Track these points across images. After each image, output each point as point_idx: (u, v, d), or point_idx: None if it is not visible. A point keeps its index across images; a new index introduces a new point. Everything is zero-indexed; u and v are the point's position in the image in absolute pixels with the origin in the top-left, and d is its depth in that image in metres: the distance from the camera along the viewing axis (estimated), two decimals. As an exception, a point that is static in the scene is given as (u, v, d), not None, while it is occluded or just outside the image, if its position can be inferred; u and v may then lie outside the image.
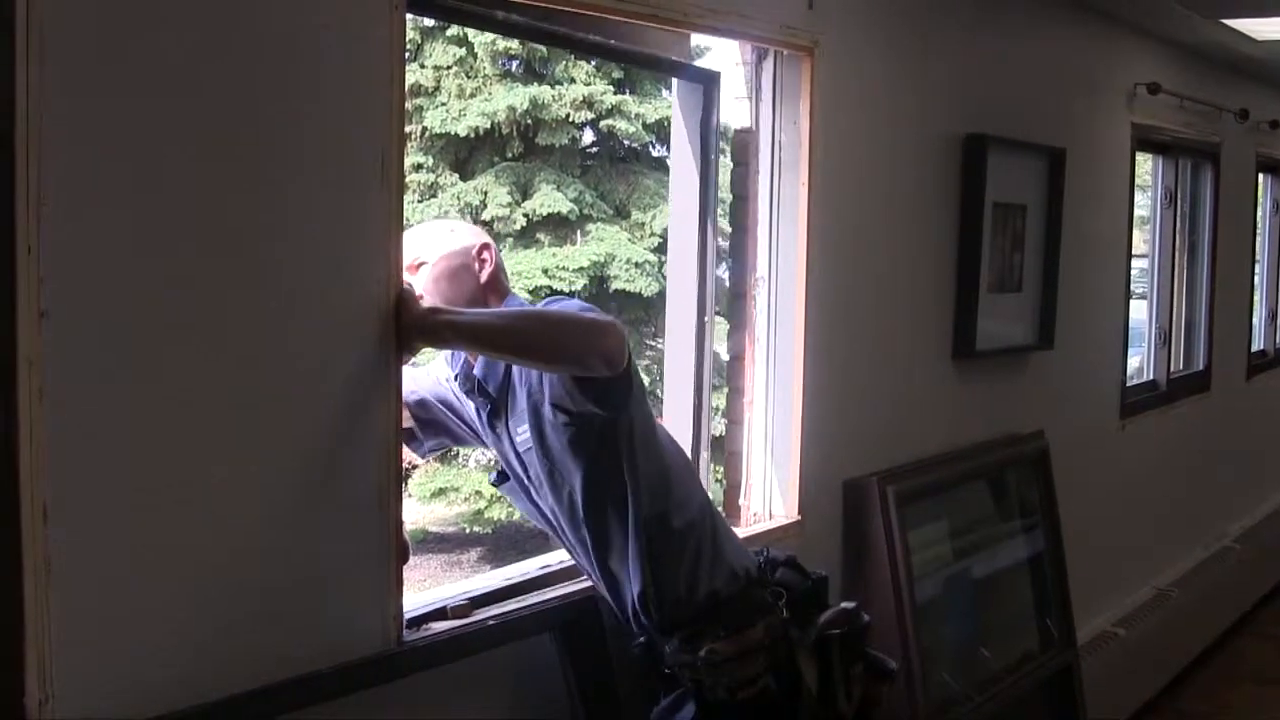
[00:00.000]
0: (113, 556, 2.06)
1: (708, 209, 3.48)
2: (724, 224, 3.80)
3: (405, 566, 2.57)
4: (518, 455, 2.85)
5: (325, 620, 2.40)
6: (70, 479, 1.98)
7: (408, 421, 2.90)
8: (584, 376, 2.63)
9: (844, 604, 2.99)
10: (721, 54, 3.75)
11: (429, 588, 2.93)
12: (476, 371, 2.83)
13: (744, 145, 3.70)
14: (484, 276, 2.85)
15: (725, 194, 3.85)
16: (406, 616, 2.59)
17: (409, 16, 2.53)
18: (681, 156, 3.53)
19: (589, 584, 2.99)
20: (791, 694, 2.84)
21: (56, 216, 1.92)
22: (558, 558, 3.18)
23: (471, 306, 2.79)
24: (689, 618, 2.81)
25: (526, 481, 2.87)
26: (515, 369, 2.78)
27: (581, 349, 2.60)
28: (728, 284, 3.85)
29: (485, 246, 2.87)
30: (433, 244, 2.82)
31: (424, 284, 2.77)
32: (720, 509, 3.38)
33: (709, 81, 3.50)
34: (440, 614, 2.72)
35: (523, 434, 2.81)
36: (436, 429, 3.02)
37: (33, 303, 1.90)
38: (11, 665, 1.93)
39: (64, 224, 1.94)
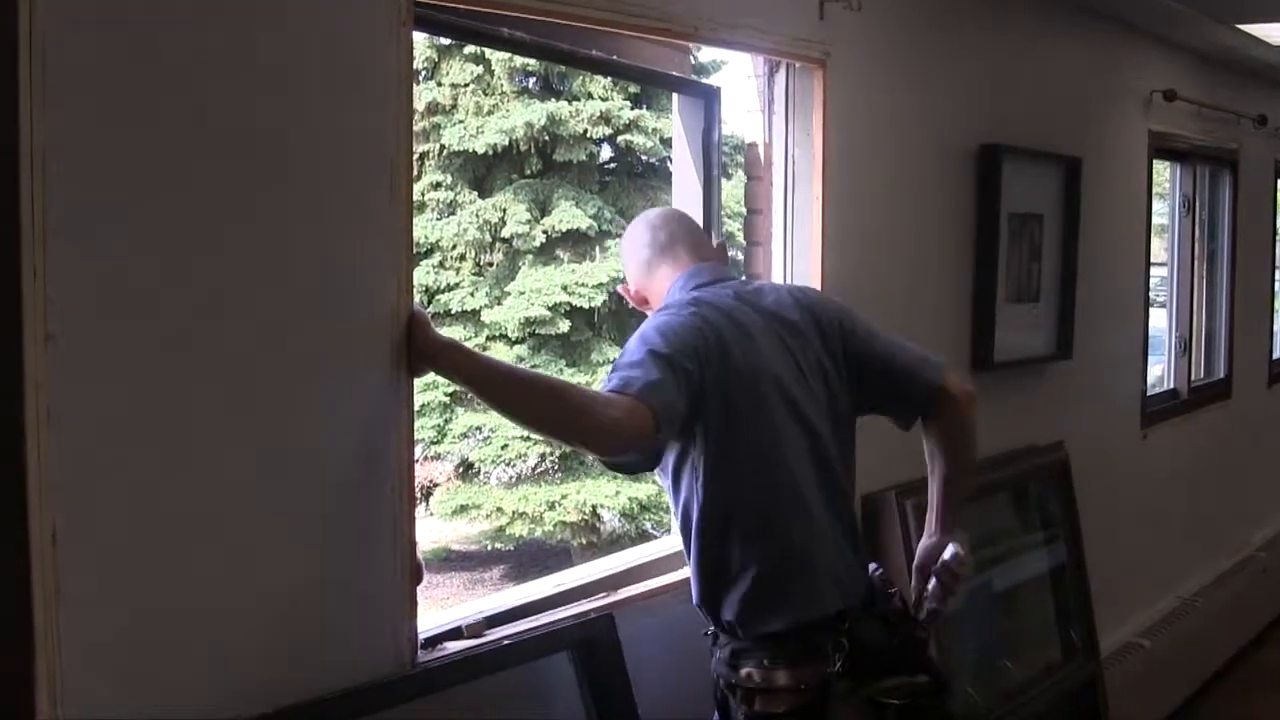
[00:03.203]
0: (123, 578, 2.06)
1: (711, 223, 3.49)
2: (739, 238, 3.79)
3: (427, 586, 2.56)
4: None
5: (338, 642, 2.39)
6: (79, 501, 1.97)
7: None
8: None
9: (916, 679, 2.90)
10: (734, 68, 3.74)
11: (451, 607, 2.93)
12: None
13: (756, 159, 3.69)
14: (651, 307, 2.96)
15: (740, 208, 3.84)
16: (422, 637, 2.58)
17: (421, 35, 2.53)
18: (683, 172, 3.54)
19: (605, 602, 3.00)
20: None
21: (61, 239, 1.92)
22: (573, 576, 3.18)
23: None
24: (743, 637, 2.77)
25: None
26: None
27: (571, 437, 2.60)
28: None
29: (625, 289, 3.04)
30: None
31: None
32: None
33: (709, 97, 3.50)
34: (456, 634, 2.71)
35: None
36: None
37: (39, 326, 1.90)
38: (23, 685, 1.93)
39: (69, 247, 1.93)
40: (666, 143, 15.92)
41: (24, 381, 1.89)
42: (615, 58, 3.21)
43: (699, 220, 3.47)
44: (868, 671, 2.84)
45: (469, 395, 15.25)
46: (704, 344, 2.71)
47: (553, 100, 16.19)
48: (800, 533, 2.79)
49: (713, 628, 2.83)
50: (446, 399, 15.04)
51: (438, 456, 15.65)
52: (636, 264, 3.01)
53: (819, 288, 3.64)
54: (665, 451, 2.75)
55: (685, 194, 3.52)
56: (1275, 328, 8.21)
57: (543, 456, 15.11)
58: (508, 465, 15.27)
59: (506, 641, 2.73)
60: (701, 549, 2.76)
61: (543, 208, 16.18)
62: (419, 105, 15.68)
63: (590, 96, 16.23)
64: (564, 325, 15.52)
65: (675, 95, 3.55)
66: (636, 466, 2.79)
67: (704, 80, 3.61)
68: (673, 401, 2.58)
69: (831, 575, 2.83)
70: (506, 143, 15.98)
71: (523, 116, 15.85)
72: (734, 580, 2.75)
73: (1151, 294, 6.27)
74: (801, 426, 2.82)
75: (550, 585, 3.13)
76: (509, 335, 15.60)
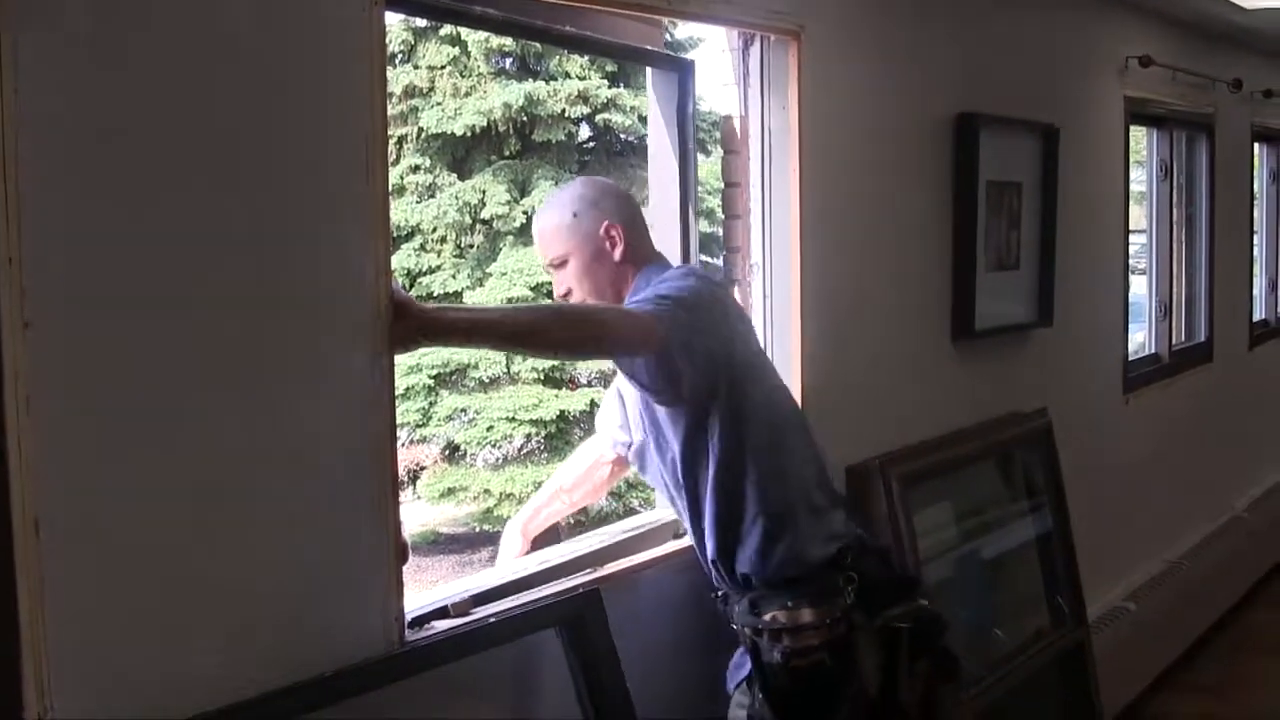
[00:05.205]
0: (108, 566, 2.05)
1: (688, 197, 3.50)
2: (718, 212, 3.79)
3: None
4: (639, 418, 3.11)
5: (325, 624, 2.39)
6: (61, 490, 1.97)
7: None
8: (643, 367, 2.81)
9: (920, 602, 3.09)
10: (710, 42, 3.74)
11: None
12: None
13: (733, 132, 3.68)
14: (617, 255, 3.04)
15: (717, 182, 3.83)
16: (409, 616, 2.58)
17: (396, 18, 2.52)
18: (659, 147, 3.55)
19: (591, 577, 3.01)
20: (846, 674, 2.93)
21: (37, 226, 1.91)
22: (559, 553, 3.19)
23: (612, 289, 3.03)
24: (758, 586, 2.95)
25: (645, 440, 3.11)
26: None
27: (580, 344, 2.85)
28: (722, 272, 3.83)
29: (610, 227, 3.04)
30: (564, 237, 3.03)
31: (569, 280, 3.03)
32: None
33: (684, 71, 3.51)
34: (443, 613, 2.71)
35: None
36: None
37: (16, 314, 1.89)
38: (9, 679, 1.92)
39: (45, 234, 1.93)
40: (645, 120, 15.86)
41: (3, 370, 1.88)
42: (589, 34, 3.21)
43: (676, 193, 3.51)
44: (876, 602, 2.99)
45: (453, 377, 15.35)
46: (720, 306, 3.00)
47: (530, 80, 16.17)
48: (798, 480, 3.03)
49: (724, 588, 3.01)
50: (431, 381, 15.03)
51: (424, 439, 15.64)
52: (630, 216, 3.11)
53: (799, 261, 3.64)
54: (671, 420, 2.96)
55: (661, 169, 3.52)
56: (1255, 291, 8.24)
57: (528, 437, 15.12)
58: (494, 447, 15.26)
59: (493, 619, 2.73)
60: (716, 505, 2.94)
61: (522, 188, 16.16)
62: (396, 88, 15.63)
63: (568, 76, 16.21)
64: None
65: (650, 70, 3.55)
66: (653, 380, 2.87)
67: (679, 55, 3.60)
68: (687, 338, 2.80)
69: (829, 517, 3.06)
70: (485, 124, 15.96)
71: (500, 97, 15.83)
72: (746, 533, 2.94)
73: (1131, 262, 6.28)
74: (779, 380, 3.17)
75: (535, 562, 3.14)
76: (491, 316, 15.57)
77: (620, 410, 3.31)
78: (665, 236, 3.48)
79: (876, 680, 2.97)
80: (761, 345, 3.31)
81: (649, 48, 3.43)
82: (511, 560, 3.26)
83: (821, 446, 3.18)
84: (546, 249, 3.06)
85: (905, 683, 3.00)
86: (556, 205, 3.10)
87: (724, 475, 2.93)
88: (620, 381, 3.25)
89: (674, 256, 3.47)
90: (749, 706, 2.97)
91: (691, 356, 2.82)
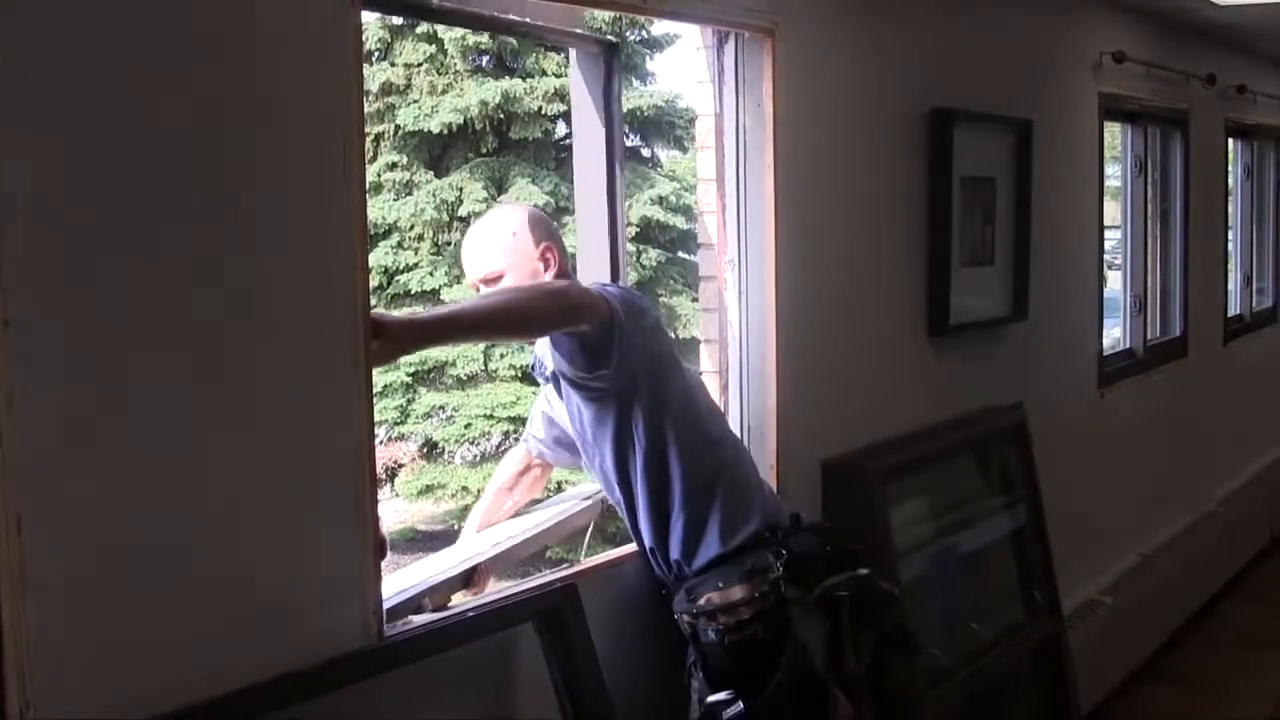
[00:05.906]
0: (89, 562, 2.06)
1: (615, 180, 3.48)
2: (695, 208, 3.80)
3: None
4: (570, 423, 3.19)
5: (305, 618, 2.40)
6: (43, 487, 1.98)
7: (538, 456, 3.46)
8: (573, 349, 2.91)
9: (858, 572, 3.16)
10: (685, 40, 3.75)
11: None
12: (535, 351, 3.12)
13: (709, 130, 3.70)
14: (549, 277, 3.10)
15: (694, 179, 3.84)
16: (386, 607, 2.60)
17: (372, 16, 2.53)
18: (585, 130, 3.52)
19: (568, 572, 3.07)
20: (780, 644, 3.00)
21: (18, 226, 1.92)
22: (509, 532, 3.29)
23: None
24: (691, 574, 3.06)
25: (587, 456, 3.19)
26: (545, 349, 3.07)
27: (561, 313, 2.87)
28: (699, 268, 3.85)
29: (548, 248, 3.12)
30: (502, 253, 3.09)
31: None
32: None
33: (608, 50, 3.47)
34: (418, 608, 2.72)
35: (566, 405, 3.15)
36: (567, 446, 3.34)
37: (-3, 312, 1.90)
38: (-9, 674, 1.94)
39: (26, 233, 1.94)
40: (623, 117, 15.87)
41: (-18, 368, 1.89)
42: (511, 15, 3.16)
43: (603, 181, 3.49)
44: (812, 575, 3.10)
45: (431, 375, 15.34)
46: (648, 312, 3.14)
47: (507, 78, 16.18)
48: (723, 465, 3.16)
49: (669, 580, 3.11)
50: (409, 379, 15.02)
51: (401, 437, 15.63)
52: (560, 242, 3.20)
53: (774, 257, 3.67)
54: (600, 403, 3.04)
55: (586, 155, 3.51)
56: (1229, 286, 8.28)
57: (506, 434, 15.12)
58: (471, 444, 15.26)
59: (471, 614, 2.76)
60: (647, 493, 3.05)
61: (499, 185, 16.17)
62: (373, 86, 15.62)
63: (544, 73, 16.23)
64: (523, 302, 15.48)
65: (573, 54, 3.50)
66: (578, 358, 2.97)
67: (602, 36, 3.55)
68: (623, 325, 2.93)
69: (755, 499, 3.19)
70: (461, 121, 15.97)
71: (477, 95, 15.84)
72: (675, 518, 3.06)
73: (1107, 257, 6.29)
74: (699, 379, 3.38)
75: (488, 545, 3.19)
76: (469, 314, 15.56)
77: (544, 425, 3.41)
78: (594, 223, 3.48)
79: (823, 652, 3.06)
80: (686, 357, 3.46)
81: (573, 30, 3.39)
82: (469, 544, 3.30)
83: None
84: (480, 265, 3.12)
85: (850, 653, 3.10)
86: (493, 224, 3.18)
87: (650, 464, 3.05)
88: (545, 398, 3.37)
89: (603, 244, 3.49)
90: (699, 690, 3.04)
91: (622, 344, 2.93)
